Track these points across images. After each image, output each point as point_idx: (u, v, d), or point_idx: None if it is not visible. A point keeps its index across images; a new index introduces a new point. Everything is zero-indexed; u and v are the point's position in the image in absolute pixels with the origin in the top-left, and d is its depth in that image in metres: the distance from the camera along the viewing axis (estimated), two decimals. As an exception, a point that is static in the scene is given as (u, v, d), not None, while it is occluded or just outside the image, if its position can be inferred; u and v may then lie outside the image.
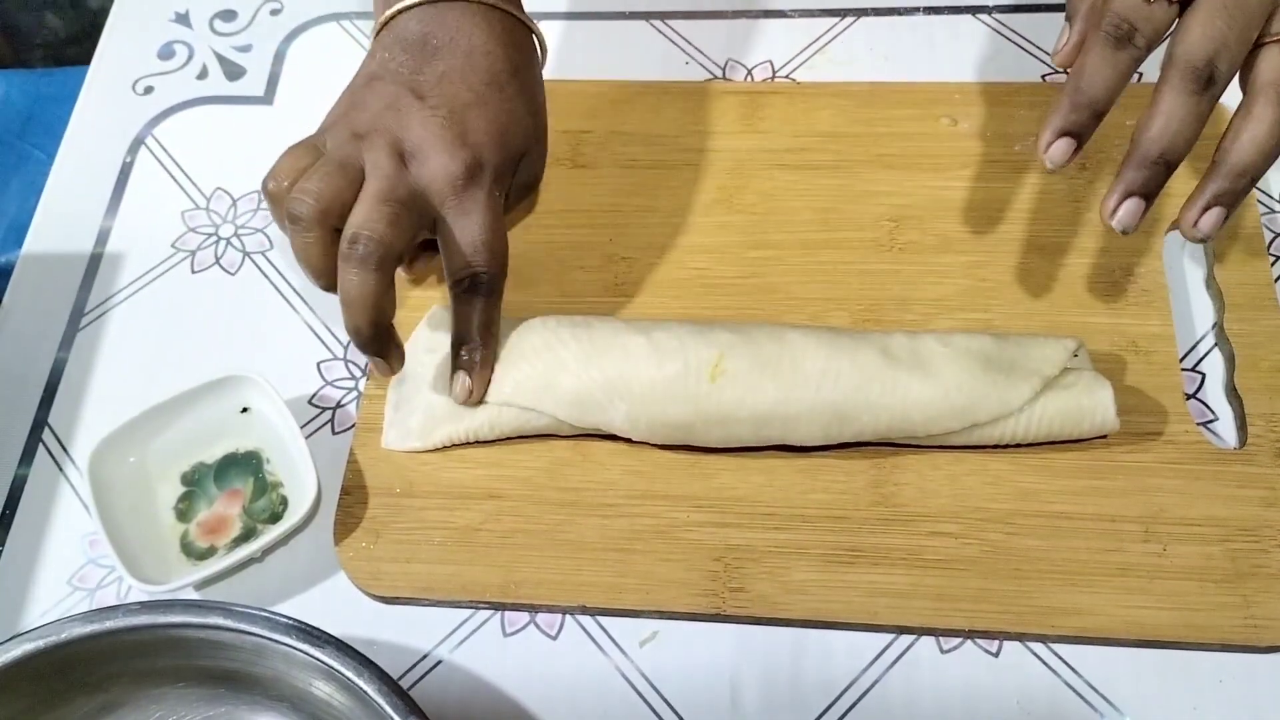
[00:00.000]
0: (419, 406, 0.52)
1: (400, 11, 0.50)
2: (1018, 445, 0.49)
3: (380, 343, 0.47)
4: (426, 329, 0.54)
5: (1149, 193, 0.43)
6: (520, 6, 0.53)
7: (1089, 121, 0.43)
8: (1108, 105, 0.43)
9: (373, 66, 0.51)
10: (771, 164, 0.59)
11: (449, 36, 0.50)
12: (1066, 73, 0.43)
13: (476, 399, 0.50)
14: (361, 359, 0.56)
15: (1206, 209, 0.43)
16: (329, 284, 0.47)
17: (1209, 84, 0.41)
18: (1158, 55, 0.43)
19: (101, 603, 0.51)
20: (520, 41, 0.52)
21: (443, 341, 0.53)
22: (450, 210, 0.48)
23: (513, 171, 0.52)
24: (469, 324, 0.49)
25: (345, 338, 0.57)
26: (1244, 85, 0.43)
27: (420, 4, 0.50)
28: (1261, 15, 0.41)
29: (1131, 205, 0.43)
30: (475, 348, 0.49)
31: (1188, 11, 0.42)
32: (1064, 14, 0.46)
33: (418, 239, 0.49)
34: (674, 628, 0.48)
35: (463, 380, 0.50)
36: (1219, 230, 0.44)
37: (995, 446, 0.49)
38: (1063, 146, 0.43)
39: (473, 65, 0.50)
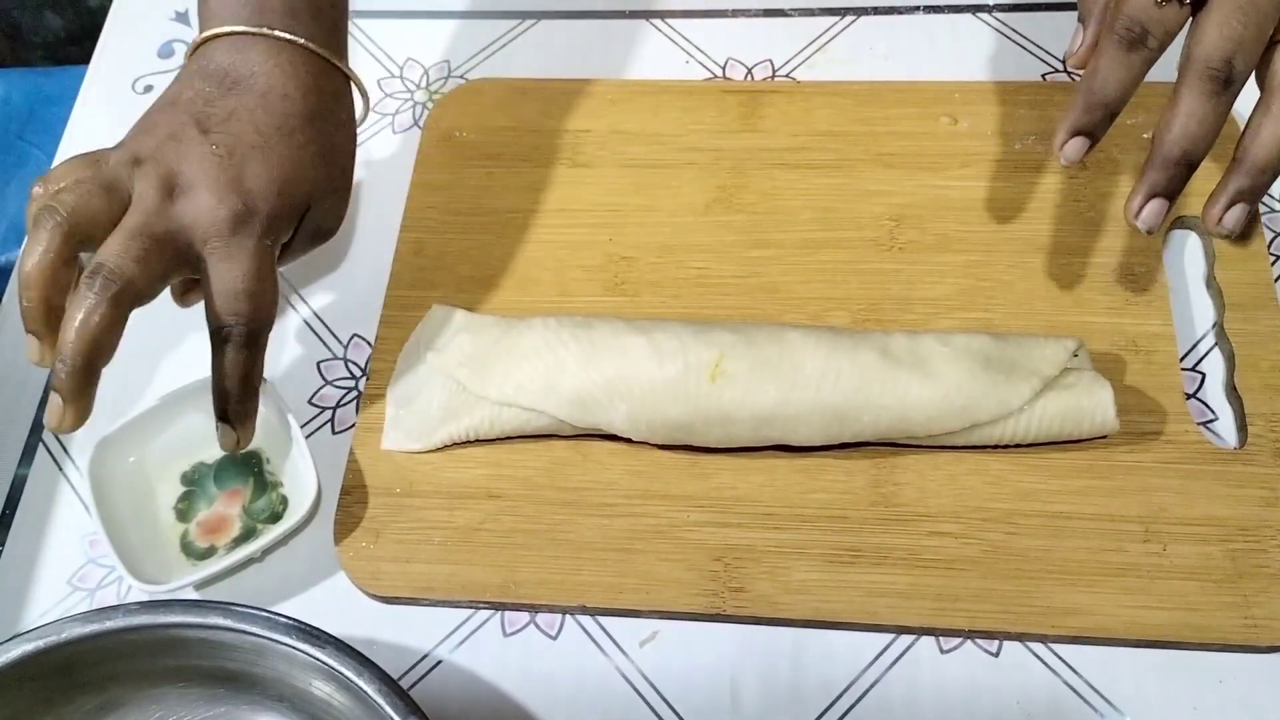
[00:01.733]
0: (419, 407, 0.52)
1: (210, 38, 0.49)
2: (1018, 445, 0.49)
3: (83, 380, 0.43)
4: (428, 328, 0.54)
5: (1172, 193, 0.43)
6: (340, 50, 0.51)
7: (1102, 121, 0.44)
8: (1120, 105, 0.43)
9: (173, 91, 0.49)
10: (771, 163, 0.59)
11: (249, 71, 0.48)
12: (1071, 74, 0.43)
13: (243, 448, 0.48)
14: (361, 359, 0.56)
15: (1230, 205, 0.44)
16: (35, 300, 0.43)
17: (1227, 84, 0.42)
18: (1170, 54, 0.43)
19: (101, 603, 0.51)
20: (326, 87, 0.50)
21: (444, 341, 0.53)
22: (213, 255, 0.45)
23: (293, 222, 0.49)
24: (224, 376, 0.46)
25: (345, 338, 0.57)
26: (1260, 83, 0.44)
27: (229, 34, 0.48)
28: (1275, 14, 0.42)
29: (1155, 206, 0.44)
30: (233, 401, 0.47)
31: (1202, 13, 0.42)
32: (1076, 16, 0.46)
33: (171, 278, 0.46)
34: (674, 628, 0.48)
35: (225, 431, 0.47)
36: (1243, 225, 0.44)
37: (995, 447, 0.49)
38: (1076, 145, 0.44)
39: (266, 106, 0.48)
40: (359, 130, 0.53)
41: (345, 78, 0.51)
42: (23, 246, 0.44)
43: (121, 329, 0.43)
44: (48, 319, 0.43)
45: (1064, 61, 0.46)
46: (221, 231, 0.45)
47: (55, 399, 0.43)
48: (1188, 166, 0.43)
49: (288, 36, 0.48)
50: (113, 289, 0.42)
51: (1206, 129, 0.42)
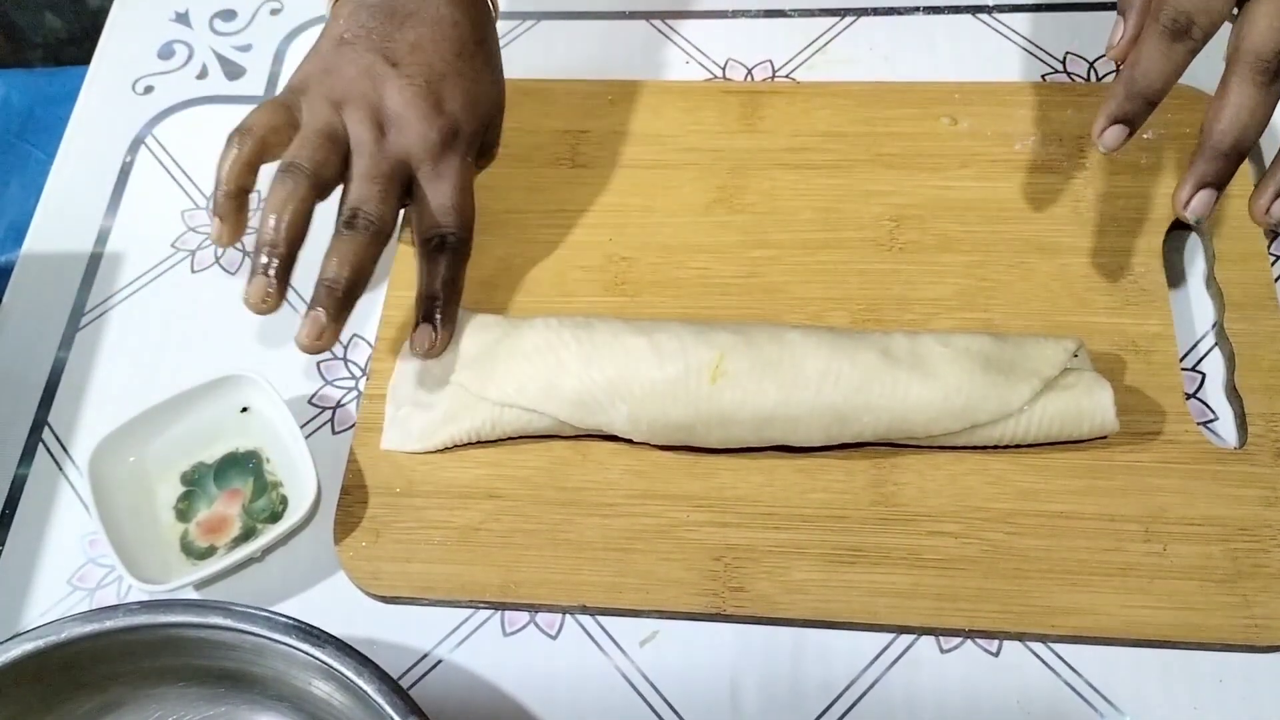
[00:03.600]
0: (420, 407, 0.52)
1: None
2: (1018, 446, 0.49)
3: (350, 298, 0.47)
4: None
5: (1221, 183, 0.44)
6: None
7: (1142, 110, 0.45)
8: (1161, 96, 0.44)
9: (339, 30, 0.51)
10: (771, 164, 0.59)
11: (416, 5, 0.52)
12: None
13: (438, 351, 0.51)
14: (361, 359, 0.56)
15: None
16: (286, 239, 0.46)
17: (1277, 75, 0.42)
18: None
19: (101, 602, 0.51)
20: (481, 10, 0.54)
21: (443, 341, 0.53)
22: (425, 174, 0.50)
23: (481, 136, 0.54)
24: (436, 279, 0.51)
25: (345, 338, 0.57)
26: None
27: None
28: None
29: (1205, 196, 0.45)
30: (440, 304, 0.51)
31: (1250, 3, 0.42)
32: (1117, 9, 0.46)
33: (402, 204, 0.51)
34: (674, 627, 0.48)
35: (426, 331, 0.51)
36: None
37: (995, 447, 0.49)
38: (1115, 133, 0.45)
39: (443, 34, 0.52)
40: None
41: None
42: (271, 195, 0.47)
43: (377, 262, 0.48)
44: (292, 261, 0.47)
45: (1108, 54, 0.46)
46: (434, 153, 0.51)
47: (318, 317, 0.46)
48: (1237, 157, 0.44)
49: None
50: (373, 228, 0.48)
51: (1257, 120, 0.43)
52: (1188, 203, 0.45)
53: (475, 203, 0.53)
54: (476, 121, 0.53)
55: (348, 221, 0.48)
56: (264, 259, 0.46)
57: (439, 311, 0.51)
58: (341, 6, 0.53)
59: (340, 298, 0.47)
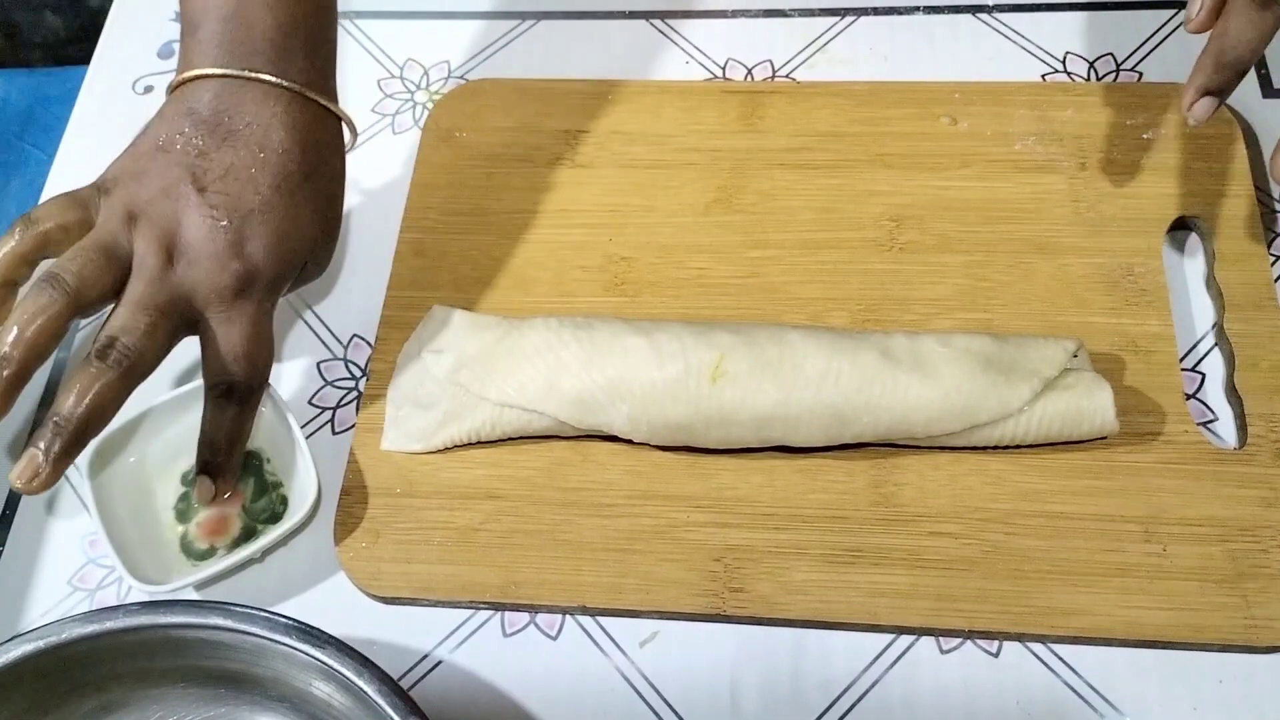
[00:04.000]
0: (420, 408, 0.52)
1: (197, 78, 0.47)
2: (1018, 446, 0.49)
3: (81, 441, 0.43)
4: (428, 328, 0.54)
5: (1222, 91, 0.46)
6: (330, 90, 0.50)
7: (1232, 80, 0.46)
8: (1249, 65, 0.45)
9: (161, 132, 0.47)
10: (771, 164, 0.59)
11: (245, 122, 0.46)
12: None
13: (217, 501, 0.49)
14: (361, 359, 0.56)
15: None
16: (26, 361, 0.42)
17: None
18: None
19: (102, 603, 0.51)
20: (321, 136, 0.49)
21: (445, 341, 0.53)
22: (215, 318, 0.45)
23: (291, 279, 0.49)
24: (219, 429, 0.47)
25: (345, 338, 0.57)
26: None
27: (219, 76, 0.46)
28: None
29: (1207, 103, 0.46)
30: (221, 455, 0.47)
31: None
32: None
33: (174, 342, 0.46)
34: (674, 628, 0.48)
35: (205, 484, 0.48)
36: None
37: (995, 447, 0.49)
38: (1206, 105, 0.46)
39: (264, 163, 0.46)
40: (361, 130, 0.52)
41: (338, 120, 0.50)
42: (23, 302, 0.43)
43: (124, 401, 0.43)
44: (24, 381, 0.43)
45: (1187, 26, 0.47)
46: (224, 297, 0.45)
47: (35, 457, 0.42)
48: (1237, 69, 0.45)
49: (284, 83, 0.47)
50: (125, 363, 0.43)
51: (1260, 34, 0.44)
52: (1191, 106, 0.47)
53: (272, 350, 0.48)
54: (281, 266, 0.47)
55: (100, 352, 0.42)
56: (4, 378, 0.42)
57: (219, 462, 0.47)
58: (171, 104, 0.47)
59: (68, 439, 0.42)
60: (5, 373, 0.42)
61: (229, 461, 0.48)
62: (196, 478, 0.48)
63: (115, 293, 0.44)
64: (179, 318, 0.45)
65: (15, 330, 0.42)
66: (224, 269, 0.45)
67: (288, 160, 0.47)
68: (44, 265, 0.44)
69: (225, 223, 0.45)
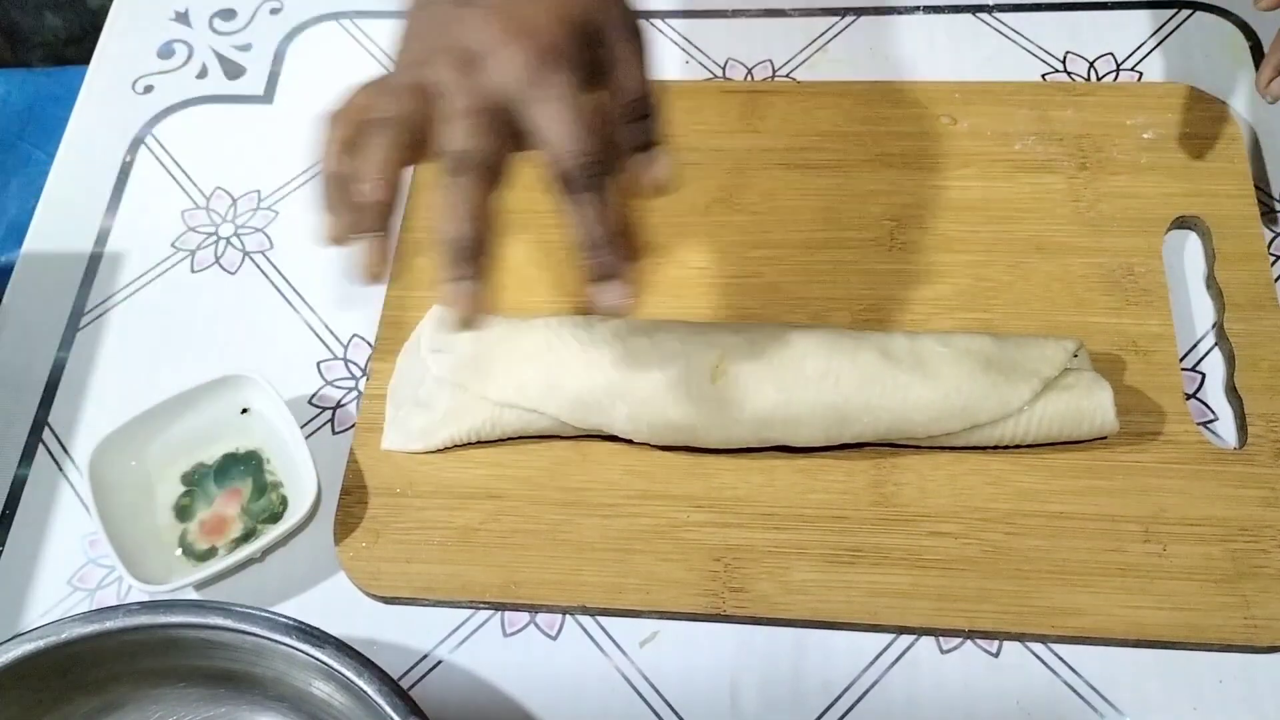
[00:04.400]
0: (420, 408, 0.52)
1: None
2: (1018, 446, 0.49)
3: (483, 248, 0.42)
4: (429, 329, 0.54)
5: None
6: None
7: None
8: None
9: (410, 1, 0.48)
10: (772, 163, 0.59)
11: None
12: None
13: (633, 304, 0.44)
14: (361, 359, 0.56)
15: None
16: (383, 195, 0.42)
17: None
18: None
19: (102, 603, 0.51)
20: None
21: (445, 341, 0.53)
22: (529, 106, 0.44)
23: (588, 45, 0.46)
24: (591, 221, 0.43)
25: (345, 338, 0.57)
26: None
27: None
28: None
29: None
30: (603, 247, 0.43)
31: None
32: None
33: (511, 143, 0.44)
34: (674, 628, 0.48)
35: (612, 286, 0.44)
36: None
37: (995, 447, 0.49)
38: None
39: None
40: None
41: None
42: (366, 157, 0.43)
43: (494, 207, 0.43)
44: (386, 215, 0.43)
45: (1256, 4, 0.50)
46: (531, 79, 0.44)
47: (461, 287, 0.42)
48: None
49: None
50: (473, 163, 0.42)
51: None
52: (1268, 84, 0.50)
53: (598, 119, 0.45)
54: (568, 28, 0.45)
55: (450, 165, 0.42)
56: (364, 216, 0.42)
57: (608, 256, 0.43)
58: None
59: (471, 251, 0.42)
60: (380, 211, 0.42)
61: (620, 249, 0.44)
62: (595, 285, 0.44)
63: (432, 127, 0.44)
64: (503, 120, 0.44)
65: (370, 178, 0.42)
66: (516, 50, 0.44)
67: None
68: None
69: (495, 12, 0.45)
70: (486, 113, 0.43)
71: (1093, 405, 0.48)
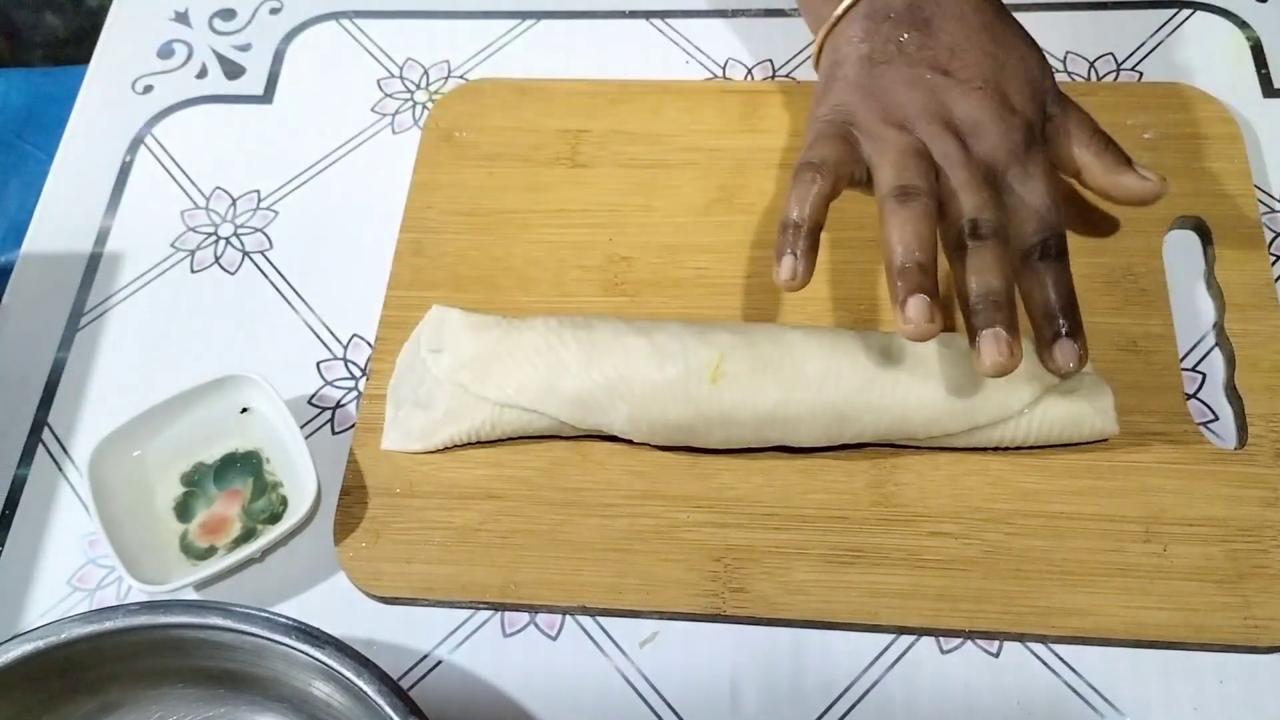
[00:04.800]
0: (420, 408, 0.52)
1: None
2: (1018, 448, 0.49)
3: (1014, 303, 0.45)
4: (429, 329, 0.54)
5: None
6: None
7: None
8: None
9: (861, 52, 0.49)
10: (771, 163, 0.59)
11: (934, 6, 0.49)
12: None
13: (1085, 363, 0.47)
14: (361, 359, 0.56)
15: None
16: (929, 254, 0.44)
17: None
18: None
19: (101, 603, 0.51)
20: None
21: (445, 341, 0.53)
22: (1015, 177, 0.47)
23: (1044, 114, 0.50)
24: (1059, 292, 0.46)
25: (345, 338, 0.57)
26: None
27: None
28: None
29: None
30: (1068, 314, 0.46)
31: None
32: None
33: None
34: (674, 628, 0.48)
35: (1069, 346, 0.46)
36: None
37: (995, 449, 0.49)
38: None
39: (972, 27, 0.49)
40: (361, 130, 0.52)
41: None
42: (891, 221, 0.45)
43: (1005, 265, 0.45)
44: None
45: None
46: (1018, 154, 0.47)
47: (1001, 334, 0.44)
48: None
49: None
50: (999, 234, 0.45)
51: None
52: None
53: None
54: (1037, 101, 0.49)
55: (972, 233, 0.45)
56: (912, 284, 0.44)
57: (1072, 322, 0.46)
58: (849, 27, 0.50)
59: (1006, 304, 0.44)
60: (927, 276, 0.44)
61: (1077, 316, 0.47)
62: (1054, 345, 0.46)
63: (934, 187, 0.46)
64: (995, 190, 0.47)
65: (904, 245, 0.44)
66: (1010, 126, 0.47)
67: (983, 13, 0.49)
68: None
69: (982, 89, 0.48)
70: (989, 184, 0.46)
71: (1094, 409, 0.48)
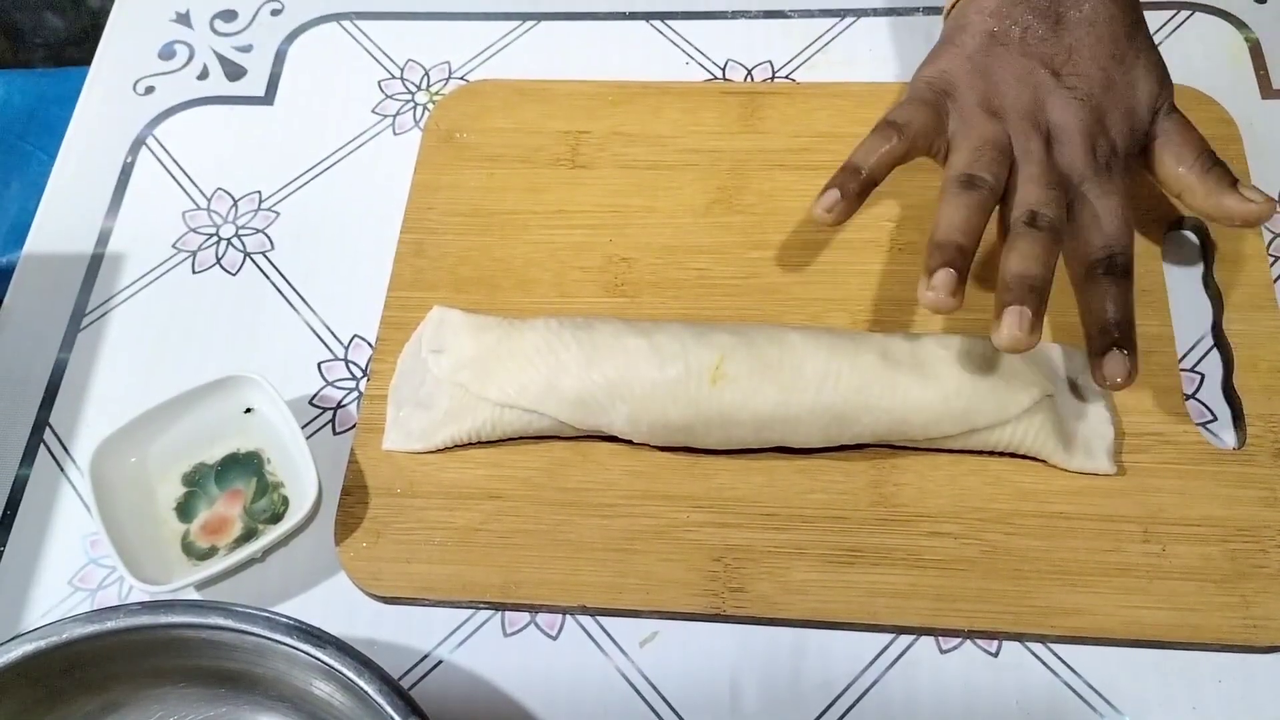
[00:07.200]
0: (420, 408, 0.52)
1: None
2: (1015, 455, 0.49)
3: (1046, 294, 0.45)
4: (430, 329, 0.54)
5: None
6: None
7: None
8: None
9: (988, 25, 0.49)
10: (771, 164, 0.59)
11: (1072, 2, 0.49)
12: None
13: (1130, 382, 0.46)
14: (362, 359, 0.56)
15: None
16: (974, 242, 0.45)
17: None
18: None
19: (103, 603, 0.51)
20: None
21: (446, 341, 0.53)
22: (1091, 191, 0.47)
23: (1142, 142, 0.50)
24: (1111, 306, 0.46)
25: (346, 338, 0.57)
26: None
27: None
28: None
29: None
30: (1123, 330, 0.46)
31: None
32: None
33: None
34: (674, 628, 0.48)
35: (1120, 360, 0.46)
36: None
37: (993, 453, 0.49)
38: None
39: (1099, 37, 0.48)
40: (362, 131, 0.52)
41: None
42: (950, 202, 0.46)
43: (1054, 264, 0.45)
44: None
45: None
46: (1099, 172, 0.47)
47: (1026, 312, 0.44)
48: None
49: None
50: (1055, 230, 0.45)
51: None
52: None
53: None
54: (1132, 128, 0.49)
55: (1029, 220, 0.45)
56: (946, 258, 0.44)
57: (1125, 339, 0.46)
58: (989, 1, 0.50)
59: (1039, 291, 0.44)
60: (964, 258, 0.45)
61: (1133, 334, 0.47)
62: (1107, 357, 0.46)
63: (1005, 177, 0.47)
64: (1063, 192, 0.47)
65: (958, 230, 0.45)
66: (1096, 146, 0.47)
67: (1115, 28, 0.49)
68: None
69: (1083, 101, 0.48)
70: (1062, 190, 0.47)
71: (1094, 437, 0.49)
